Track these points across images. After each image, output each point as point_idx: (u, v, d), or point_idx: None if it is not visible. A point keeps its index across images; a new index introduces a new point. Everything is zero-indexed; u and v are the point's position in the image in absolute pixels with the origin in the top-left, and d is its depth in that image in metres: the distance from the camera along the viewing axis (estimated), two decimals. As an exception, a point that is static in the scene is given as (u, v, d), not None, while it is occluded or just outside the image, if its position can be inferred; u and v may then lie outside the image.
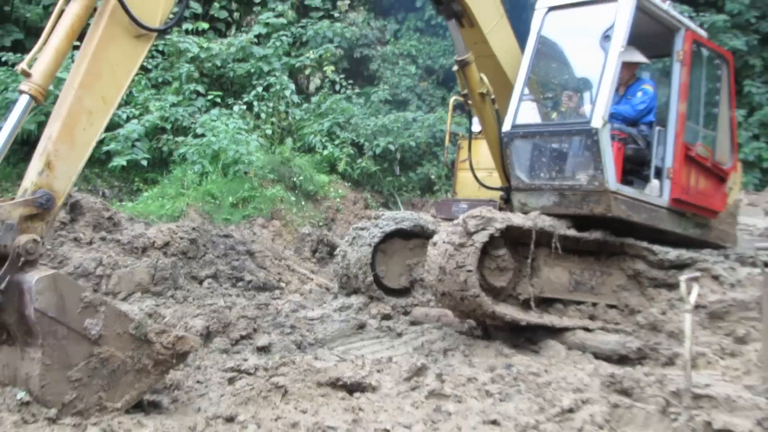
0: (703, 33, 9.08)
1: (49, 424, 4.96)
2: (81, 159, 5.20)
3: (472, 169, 9.14)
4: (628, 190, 7.86)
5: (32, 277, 4.59)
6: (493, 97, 8.53)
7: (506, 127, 8.27)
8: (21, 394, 4.72)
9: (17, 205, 4.76)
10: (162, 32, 5.75)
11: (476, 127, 9.48)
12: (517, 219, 7.56)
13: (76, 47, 5.48)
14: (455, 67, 8.81)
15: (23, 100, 5.00)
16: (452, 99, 11.13)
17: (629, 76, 8.67)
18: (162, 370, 5.30)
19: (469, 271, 7.10)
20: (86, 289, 5.02)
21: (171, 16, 5.96)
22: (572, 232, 7.80)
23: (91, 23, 5.40)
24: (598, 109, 7.62)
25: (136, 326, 5.08)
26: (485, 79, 8.51)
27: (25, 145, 15.69)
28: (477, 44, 8.51)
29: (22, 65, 5.03)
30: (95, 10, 5.37)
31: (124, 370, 5.05)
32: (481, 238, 7.19)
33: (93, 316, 4.84)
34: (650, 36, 8.44)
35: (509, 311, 7.48)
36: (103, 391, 4.96)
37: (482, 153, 9.32)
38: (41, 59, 5.06)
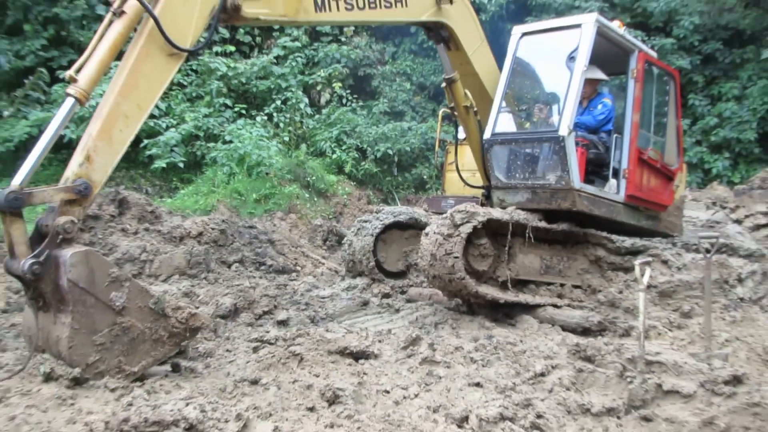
0: (653, 54, 9.07)
1: (97, 388, 4.97)
2: (116, 155, 5.23)
3: (458, 170, 9.16)
4: (589, 188, 7.88)
5: (67, 252, 4.62)
6: (475, 109, 8.55)
7: (487, 135, 8.28)
8: (43, 367, 4.74)
9: (59, 191, 4.82)
10: (191, 53, 5.73)
11: (461, 135, 9.50)
12: (496, 213, 7.58)
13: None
14: (443, 84, 8.82)
15: (69, 102, 5.05)
16: (441, 111, 11.14)
17: (591, 91, 8.67)
18: (176, 341, 5.32)
19: (456, 257, 7.13)
20: (114, 265, 5.01)
21: (201, 39, 5.98)
22: (543, 224, 7.82)
23: (132, 41, 5.43)
24: (564, 120, 7.63)
25: (156, 301, 5.11)
26: (469, 94, 8.53)
27: (64, 149, 15.70)
28: (462, 65, 8.50)
29: (70, 72, 5.09)
30: (135, 29, 5.40)
31: (142, 339, 5.08)
32: (466, 229, 7.23)
33: (118, 290, 4.88)
34: (609, 56, 8.43)
35: (490, 291, 7.51)
36: (123, 356, 4.99)
37: (466, 157, 9.33)
38: (86, 68, 5.11)
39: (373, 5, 7.14)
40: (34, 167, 4.88)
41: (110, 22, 5.25)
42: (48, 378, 4.71)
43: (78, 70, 5.10)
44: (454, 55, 8.46)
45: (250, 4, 6.15)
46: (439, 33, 8.24)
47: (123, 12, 5.24)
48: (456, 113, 8.96)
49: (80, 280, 4.66)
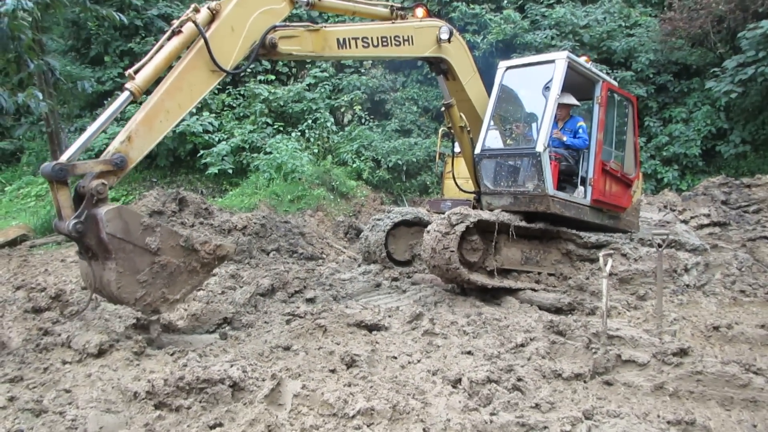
0: (615, 83, 9.01)
1: (159, 350, 4.97)
2: (153, 141, 5.23)
3: (454, 178, 9.10)
4: (561, 194, 7.84)
5: (102, 210, 4.62)
6: (468, 129, 8.54)
7: (477, 150, 8.24)
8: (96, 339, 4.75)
9: (99, 163, 4.81)
10: (229, 74, 5.72)
11: (457, 149, 9.47)
12: (485, 215, 7.56)
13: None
14: (443, 108, 8.83)
15: (125, 95, 5.07)
16: (441, 130, 11.12)
17: (565, 114, 8.59)
18: (208, 269, 5.33)
19: (452, 251, 7.14)
20: (144, 216, 4.99)
21: (243, 64, 6.02)
22: (523, 224, 7.78)
23: (183, 55, 5.45)
24: (540, 138, 7.61)
25: (185, 239, 5.10)
26: (464, 117, 8.53)
27: (147, 157, 15.77)
28: (457, 92, 8.46)
29: (130, 70, 5.12)
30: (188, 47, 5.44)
31: (179, 272, 5.09)
32: (461, 228, 7.24)
33: (151, 235, 4.87)
34: (578, 85, 8.38)
35: (480, 278, 7.49)
36: (165, 288, 5.01)
37: (461, 167, 9.27)
38: (144, 71, 5.13)
39: (385, 43, 7.15)
40: (81, 147, 4.84)
41: (169, 38, 5.29)
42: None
43: (137, 71, 5.12)
44: (451, 84, 8.43)
45: (285, 41, 6.16)
46: (439, 66, 8.22)
47: (180, 31, 5.30)
48: (453, 132, 8.95)
49: (117, 232, 4.66)
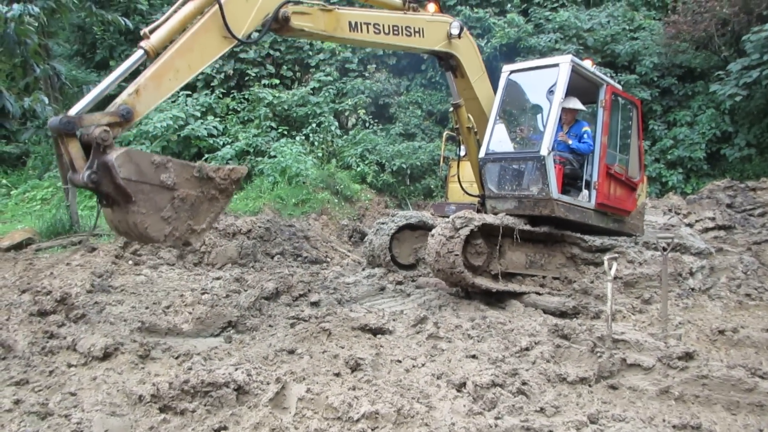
0: (619, 87, 9.00)
1: (164, 353, 4.97)
2: (159, 98, 5.24)
3: (459, 182, 9.09)
4: (566, 198, 7.83)
5: (112, 156, 4.60)
6: (476, 130, 8.54)
7: (481, 154, 8.24)
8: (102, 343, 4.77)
9: (105, 115, 4.79)
10: (240, 42, 5.72)
11: (462, 152, 9.47)
12: (489, 218, 7.55)
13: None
14: (451, 109, 8.88)
15: (138, 53, 5.10)
16: (445, 134, 11.13)
17: (571, 118, 8.59)
18: (227, 195, 5.34)
19: (456, 255, 7.13)
20: (152, 155, 4.97)
21: (256, 35, 6.10)
22: (527, 227, 7.77)
23: (197, 19, 5.46)
24: (544, 142, 7.61)
25: (198, 170, 5.10)
26: (471, 118, 8.52)
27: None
28: (465, 90, 8.48)
29: (146, 29, 5.15)
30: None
31: (200, 202, 5.11)
32: (465, 232, 7.23)
33: (165, 172, 4.87)
34: (582, 89, 8.38)
35: (484, 282, 7.48)
36: (190, 220, 5.04)
37: (466, 171, 9.26)
38: (159, 31, 5.16)
39: (396, 32, 7.19)
40: (90, 102, 4.85)
41: (185, 2, 5.34)
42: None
43: (152, 31, 5.15)
44: (460, 82, 8.44)
45: (297, 17, 6.19)
46: (448, 62, 8.23)
47: None
48: (459, 134, 8.96)
49: (132, 175, 4.67)
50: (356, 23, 6.76)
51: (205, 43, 5.43)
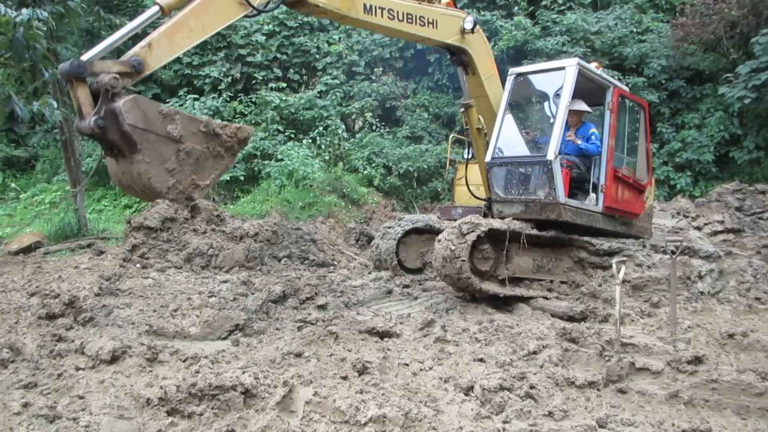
0: (626, 89, 8.97)
1: (171, 356, 4.98)
2: (171, 55, 5.23)
3: (467, 185, 9.07)
4: (573, 202, 7.81)
5: (120, 102, 4.60)
6: (485, 131, 8.52)
7: (488, 158, 8.21)
8: (109, 346, 4.74)
9: (116, 63, 4.79)
10: (254, 9, 5.68)
11: (468, 155, 9.48)
12: (496, 223, 7.54)
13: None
14: (461, 109, 8.94)
15: (154, 8, 5.11)
16: (451, 137, 11.13)
17: (577, 120, 8.57)
18: (232, 153, 5.33)
19: (463, 260, 7.11)
20: (161, 104, 4.96)
21: (273, 3, 6.03)
22: (534, 232, 7.75)
23: None
24: (551, 146, 7.60)
25: (205, 125, 5.08)
26: (482, 119, 8.52)
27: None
28: (476, 87, 8.50)
29: None
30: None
31: (205, 157, 5.09)
32: (471, 237, 7.21)
33: (172, 123, 4.86)
34: (589, 92, 8.36)
35: (491, 287, 7.47)
36: (194, 174, 5.03)
37: (474, 173, 9.24)
38: None
39: (410, 20, 7.22)
40: (103, 51, 4.83)
41: None
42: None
43: None
44: (471, 79, 8.46)
45: None
46: (460, 57, 8.26)
47: None
48: (469, 135, 8.96)
49: (138, 122, 4.66)
50: (371, 6, 6.78)
51: (221, 6, 5.45)
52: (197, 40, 5.38)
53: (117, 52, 5.40)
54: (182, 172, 4.93)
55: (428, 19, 7.46)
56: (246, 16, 5.90)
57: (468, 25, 7.85)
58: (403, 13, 7.13)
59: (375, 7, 6.82)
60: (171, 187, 4.87)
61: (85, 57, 4.72)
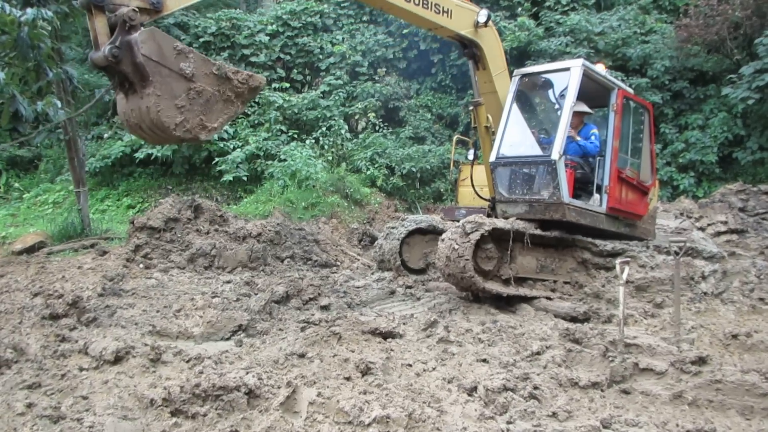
0: (630, 90, 8.96)
1: (175, 356, 4.98)
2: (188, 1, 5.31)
3: (473, 185, 9.04)
4: (577, 202, 7.80)
5: (136, 33, 4.63)
6: (493, 130, 8.52)
7: (492, 158, 8.21)
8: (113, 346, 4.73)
9: None
10: None
11: (471, 156, 9.47)
12: (500, 223, 7.53)
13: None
14: (470, 107, 8.95)
15: None
16: (455, 137, 11.12)
17: (578, 121, 8.56)
18: (242, 100, 5.31)
19: (467, 260, 7.11)
20: (176, 40, 4.96)
21: None
22: (538, 232, 7.75)
23: None
24: (555, 146, 7.59)
25: (218, 68, 5.07)
26: (490, 118, 8.51)
27: (163, 165, 15.88)
28: (486, 83, 8.54)
29: None
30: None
31: (215, 100, 5.08)
32: (475, 237, 7.20)
33: (185, 60, 4.87)
34: (593, 93, 8.35)
35: (495, 287, 7.46)
36: (203, 115, 5.01)
37: (479, 174, 9.23)
38: None
39: (425, 6, 7.34)
40: None
41: None
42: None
43: None
44: (481, 74, 8.50)
45: None
46: (472, 50, 8.29)
47: None
48: (476, 134, 8.97)
49: (152, 54, 4.67)
50: None
51: None
52: None
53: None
54: (191, 110, 4.93)
55: (443, 8, 7.56)
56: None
57: (482, 18, 7.93)
58: None
59: None
60: (179, 124, 4.86)
61: None
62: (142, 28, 4.72)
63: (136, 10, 4.70)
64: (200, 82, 4.96)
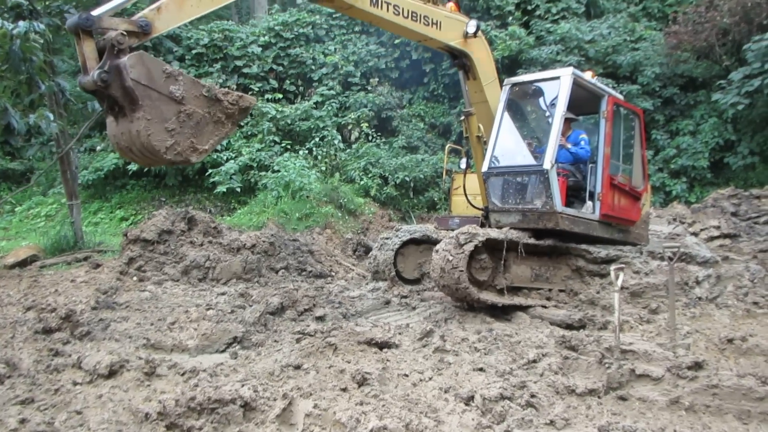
0: (620, 97, 9.01)
1: (170, 369, 4.94)
2: (179, 21, 5.28)
3: (465, 194, 9.01)
4: (570, 211, 7.81)
5: (124, 57, 4.60)
6: (485, 140, 8.53)
7: (484, 168, 8.21)
8: (107, 360, 4.69)
9: (125, 21, 4.80)
10: None
11: (463, 165, 9.49)
12: (493, 233, 7.52)
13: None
14: (461, 117, 8.96)
15: None
16: (447, 146, 11.14)
17: (566, 128, 8.57)
18: (233, 121, 5.28)
19: (461, 270, 7.10)
20: (165, 63, 4.94)
21: None
22: (532, 241, 7.75)
23: None
24: (547, 156, 7.61)
25: (208, 90, 5.05)
26: (482, 127, 8.53)
27: (156, 177, 15.84)
28: (476, 92, 8.57)
29: None
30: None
31: (205, 122, 5.06)
32: (469, 247, 7.19)
33: (175, 83, 4.85)
34: (584, 100, 8.40)
35: (490, 297, 7.45)
36: (194, 138, 4.98)
37: (472, 183, 9.22)
38: None
39: (414, 18, 7.37)
40: (113, 9, 4.84)
41: None
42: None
43: None
44: (472, 84, 8.52)
45: None
46: (462, 61, 8.32)
47: None
48: (468, 144, 8.98)
49: (141, 78, 4.65)
50: (378, 0, 6.93)
51: None
52: (206, 10, 5.43)
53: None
54: (182, 133, 4.90)
55: (432, 20, 7.59)
56: None
57: (471, 29, 7.96)
58: (408, 11, 7.28)
59: (381, 1, 6.97)
60: (170, 147, 4.83)
61: (95, 12, 4.72)
62: (131, 52, 4.71)
63: (125, 33, 4.70)
64: (190, 105, 4.95)
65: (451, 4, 8.06)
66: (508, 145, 8.58)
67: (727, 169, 16.87)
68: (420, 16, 7.43)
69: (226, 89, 5.27)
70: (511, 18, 19.53)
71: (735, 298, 7.75)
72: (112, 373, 4.77)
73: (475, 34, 8.03)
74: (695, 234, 11.47)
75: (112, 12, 4.86)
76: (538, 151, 8.63)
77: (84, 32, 4.62)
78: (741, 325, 6.95)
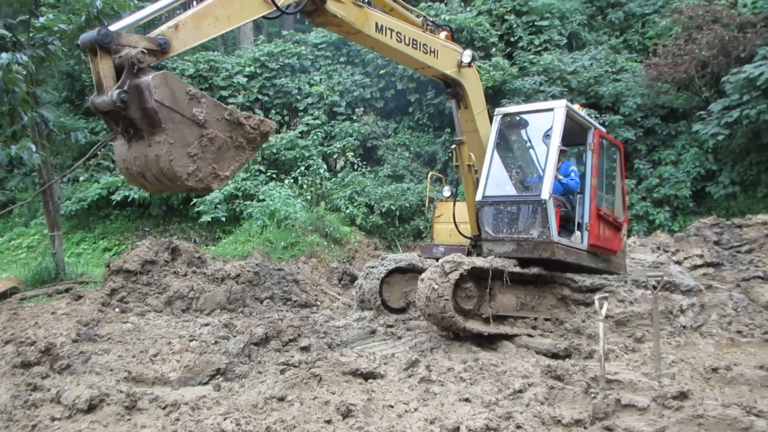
0: (603, 129, 9.16)
1: (150, 403, 4.86)
2: (195, 40, 5.15)
3: (455, 223, 8.99)
4: (564, 240, 7.88)
5: (148, 77, 4.37)
6: (476, 168, 8.58)
7: (478, 197, 8.24)
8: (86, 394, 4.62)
9: (143, 39, 4.62)
10: (278, 9, 5.72)
11: (446, 193, 9.54)
12: (479, 262, 7.56)
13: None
14: (452, 146, 9.06)
15: None
16: (430, 174, 11.23)
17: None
18: (253, 146, 5.11)
19: (446, 299, 7.10)
20: (189, 84, 4.72)
21: (293, 7, 6.12)
22: (517, 269, 7.77)
23: None
24: (545, 186, 7.70)
25: (230, 113, 4.87)
26: (473, 156, 8.60)
27: (140, 207, 15.76)
28: (467, 122, 8.67)
29: None
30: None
31: (227, 147, 4.87)
32: (454, 276, 7.21)
33: (198, 106, 4.64)
34: (569, 131, 8.50)
35: (475, 326, 7.45)
36: (215, 163, 4.78)
37: (460, 211, 9.21)
38: None
39: (415, 46, 7.55)
40: (130, 24, 4.68)
41: None
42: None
43: None
44: (463, 113, 8.63)
45: (333, 2, 6.38)
46: (455, 89, 8.43)
47: None
48: (457, 172, 9.05)
49: (165, 100, 4.40)
50: (382, 26, 7.12)
51: (247, 1, 5.49)
52: (223, 30, 5.41)
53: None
54: (204, 159, 4.69)
55: (430, 48, 7.78)
56: (266, 17, 5.93)
57: (466, 59, 8.12)
58: (409, 38, 7.48)
59: (385, 28, 7.17)
60: (191, 174, 4.60)
61: (113, 27, 4.53)
62: (152, 71, 4.52)
63: (145, 51, 4.49)
64: (212, 129, 4.76)
65: (444, 33, 8.25)
66: (501, 175, 8.66)
67: (709, 198, 17.09)
68: (420, 43, 7.63)
69: (248, 113, 5.19)
70: (494, 49, 19.85)
71: (719, 327, 7.79)
72: (91, 408, 4.69)
73: (469, 64, 8.19)
74: (679, 263, 11.55)
75: (131, 28, 4.72)
76: (527, 182, 8.72)
77: (102, 49, 4.40)
78: (725, 354, 6.99)
